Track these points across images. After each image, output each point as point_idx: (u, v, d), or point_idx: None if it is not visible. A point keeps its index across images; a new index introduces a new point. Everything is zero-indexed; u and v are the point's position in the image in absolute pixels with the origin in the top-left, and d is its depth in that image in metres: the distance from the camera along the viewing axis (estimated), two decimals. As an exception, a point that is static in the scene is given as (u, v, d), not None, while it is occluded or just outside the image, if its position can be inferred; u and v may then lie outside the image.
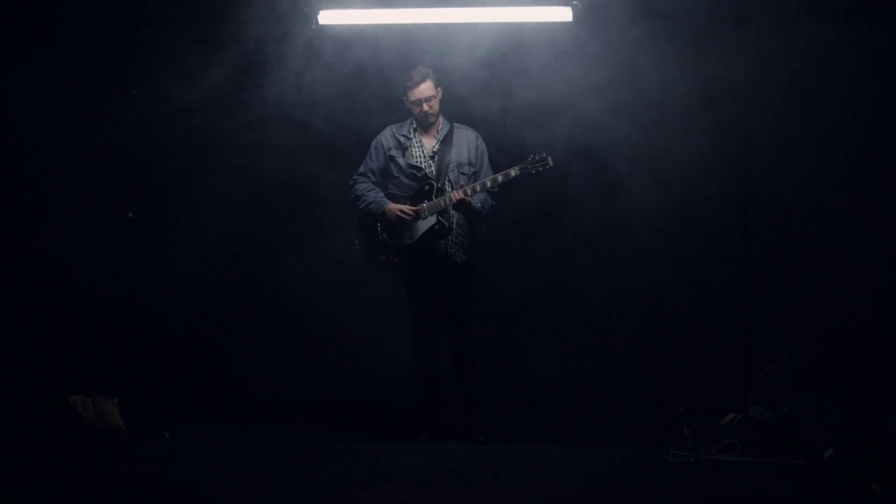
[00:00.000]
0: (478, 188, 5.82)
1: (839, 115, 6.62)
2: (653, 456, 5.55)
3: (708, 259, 6.79)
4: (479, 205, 5.89)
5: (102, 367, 6.51)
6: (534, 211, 7.07)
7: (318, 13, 5.81)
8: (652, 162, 6.75)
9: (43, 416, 5.89)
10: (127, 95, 5.76)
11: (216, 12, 6.25)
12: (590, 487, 5.02)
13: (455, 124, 6.05)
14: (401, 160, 5.99)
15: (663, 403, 6.18)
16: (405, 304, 6.10)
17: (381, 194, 5.99)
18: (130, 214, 5.80)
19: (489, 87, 6.56)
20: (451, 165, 5.94)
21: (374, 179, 6.04)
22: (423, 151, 5.98)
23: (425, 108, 5.90)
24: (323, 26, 5.89)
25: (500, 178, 5.80)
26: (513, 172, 5.77)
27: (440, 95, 5.96)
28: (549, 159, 5.73)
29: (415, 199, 5.92)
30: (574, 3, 5.73)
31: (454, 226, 5.93)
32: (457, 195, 5.78)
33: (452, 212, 5.90)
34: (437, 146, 5.98)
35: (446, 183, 5.91)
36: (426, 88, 5.88)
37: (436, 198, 5.88)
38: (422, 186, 5.92)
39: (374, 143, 6.08)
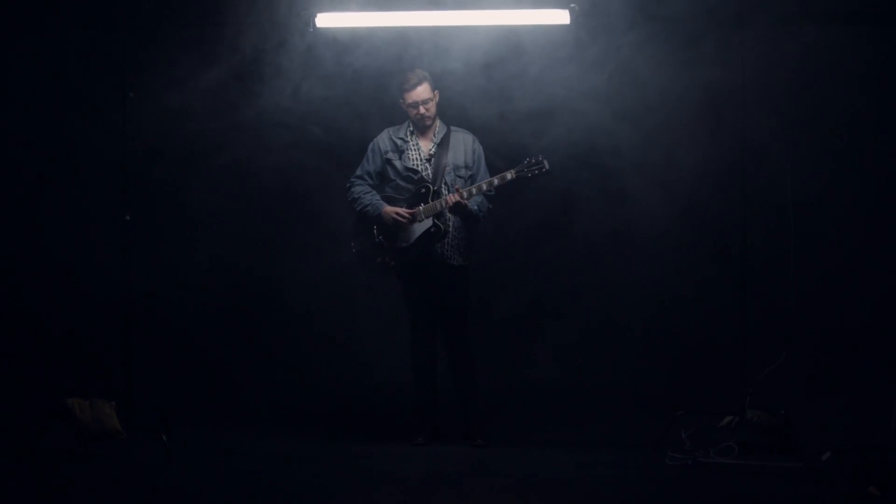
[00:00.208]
0: (474, 191, 5.82)
1: (838, 118, 6.63)
2: (650, 459, 5.54)
3: (705, 262, 6.79)
4: (476, 207, 5.89)
5: (100, 369, 6.52)
6: (531, 215, 7.07)
7: (315, 16, 5.82)
8: (649, 167, 6.75)
9: (40, 418, 5.88)
10: (124, 99, 5.76)
11: (213, 16, 6.26)
12: (587, 490, 5.02)
13: (452, 127, 6.04)
14: (397, 163, 5.99)
15: (661, 406, 6.19)
16: (402, 307, 6.10)
17: (378, 197, 5.99)
18: (128, 217, 5.80)
19: (486, 91, 6.56)
20: (447, 168, 5.93)
21: (370, 182, 6.04)
22: (419, 154, 5.98)
23: (422, 110, 5.90)
24: (320, 29, 5.89)
25: (496, 181, 5.79)
26: (509, 176, 5.77)
27: (437, 98, 5.96)
28: (546, 163, 5.73)
29: (411, 202, 5.92)
30: (571, 5, 5.73)
31: (450, 228, 5.93)
32: (453, 198, 5.77)
33: (449, 215, 5.90)
34: (433, 149, 5.98)
35: (443, 186, 5.91)
36: (423, 91, 5.88)
37: (432, 201, 5.87)
38: (418, 189, 5.92)
39: (370, 145, 6.08)
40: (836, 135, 6.65)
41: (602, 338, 7.08)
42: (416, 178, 5.95)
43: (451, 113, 6.27)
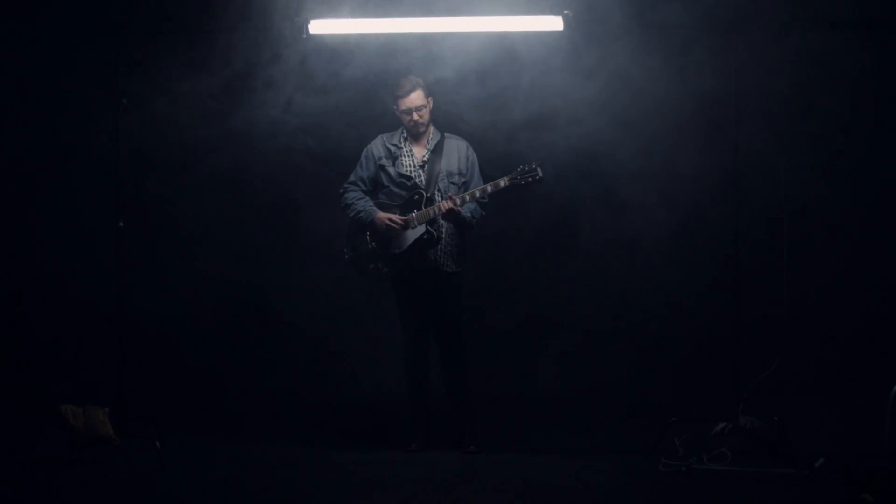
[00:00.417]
0: (467, 198, 5.81)
1: (832, 126, 6.65)
2: (644, 465, 5.54)
3: (698, 269, 6.80)
4: (469, 214, 5.89)
5: (93, 376, 6.51)
6: (524, 223, 7.09)
7: (308, 23, 5.81)
8: (642, 174, 6.76)
9: (33, 425, 5.87)
10: (117, 105, 5.76)
11: (206, 23, 6.26)
12: (580, 497, 5.02)
13: (446, 134, 6.04)
14: (391, 169, 5.99)
15: (654, 413, 6.18)
16: (395, 313, 6.09)
17: (371, 203, 5.99)
18: (121, 224, 5.80)
19: (479, 98, 6.55)
20: (441, 175, 5.93)
21: (364, 188, 6.04)
22: (413, 161, 5.98)
23: (415, 117, 5.90)
24: (314, 36, 5.88)
25: (489, 188, 5.79)
26: (502, 183, 5.76)
27: (431, 105, 5.96)
28: (539, 170, 5.72)
29: (404, 209, 5.92)
30: (565, 12, 5.73)
31: (443, 235, 5.93)
32: (446, 205, 5.77)
33: (442, 221, 5.90)
34: (427, 156, 5.98)
35: (436, 193, 5.91)
36: (416, 98, 5.88)
37: (425, 207, 5.87)
38: (411, 196, 5.92)
39: (364, 151, 6.08)
40: (830, 142, 6.66)
41: (595, 345, 7.07)
42: (409, 184, 5.94)
43: (444, 120, 6.27)
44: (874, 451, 5.45)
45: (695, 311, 6.85)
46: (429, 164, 5.95)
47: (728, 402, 5.74)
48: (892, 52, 6.54)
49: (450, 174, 5.94)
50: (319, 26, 5.83)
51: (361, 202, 5.98)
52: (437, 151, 5.97)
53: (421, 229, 5.88)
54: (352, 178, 6.05)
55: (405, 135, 6.01)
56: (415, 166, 5.97)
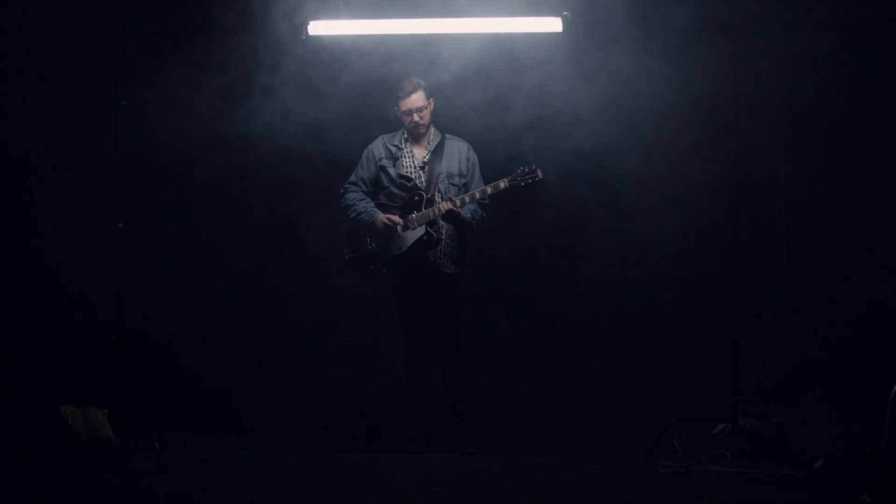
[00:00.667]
0: (467, 199, 5.81)
1: (831, 126, 6.64)
2: (643, 467, 5.54)
3: (697, 271, 6.80)
4: (469, 215, 5.88)
5: (93, 377, 6.51)
6: (523, 225, 7.08)
7: (307, 24, 5.81)
8: (640, 176, 6.76)
9: (33, 426, 5.87)
10: (117, 107, 5.76)
11: (206, 24, 6.25)
12: (580, 498, 5.02)
13: (447, 135, 6.04)
14: (391, 170, 5.98)
15: (653, 414, 6.19)
16: (394, 315, 6.10)
17: (372, 204, 5.98)
18: (120, 225, 5.79)
19: (478, 99, 6.54)
20: (441, 176, 5.93)
21: (364, 189, 6.03)
22: (413, 162, 5.98)
23: (416, 118, 5.90)
24: (313, 37, 5.88)
25: (489, 189, 5.79)
26: (502, 184, 5.76)
27: (432, 106, 5.95)
28: (539, 171, 5.72)
29: (404, 210, 5.92)
30: (564, 13, 5.73)
31: (443, 236, 5.92)
32: (445, 206, 5.77)
33: (442, 222, 5.90)
34: (427, 157, 5.97)
35: (436, 194, 5.91)
36: (417, 99, 5.88)
37: (425, 208, 5.88)
38: (411, 197, 5.91)
39: (365, 152, 6.08)
40: (830, 143, 6.66)
41: (594, 346, 7.07)
42: (409, 185, 5.94)
43: (443, 122, 6.27)
44: (874, 452, 5.46)
45: (694, 312, 6.85)
46: (429, 165, 5.95)
47: (727, 404, 5.74)
48: (895, 52, 6.54)
49: (450, 175, 5.94)
50: (319, 28, 5.83)
51: (362, 203, 5.98)
52: (437, 152, 5.97)
53: (421, 230, 5.88)
54: (352, 178, 6.05)
55: (406, 135, 6.01)
56: (415, 167, 5.97)
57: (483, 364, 6.76)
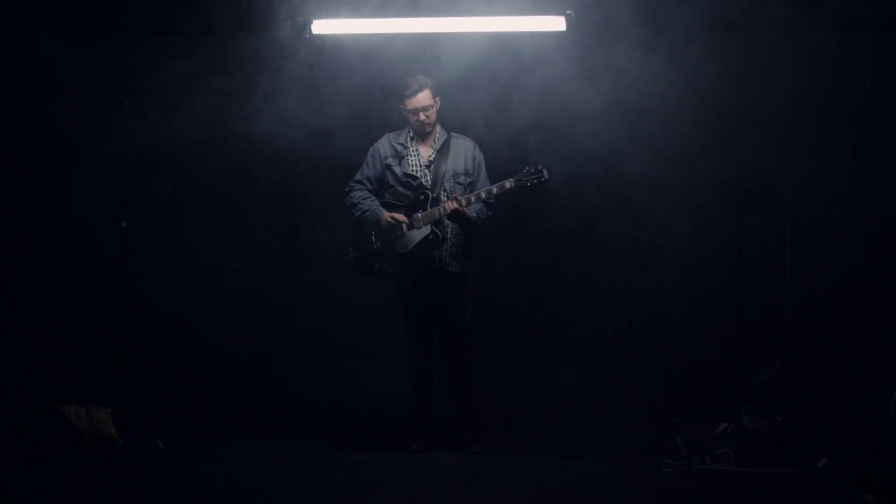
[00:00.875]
0: (472, 199, 5.80)
1: (835, 126, 6.64)
2: (646, 466, 5.54)
3: (701, 270, 6.79)
4: (475, 215, 5.87)
5: (96, 376, 6.50)
6: (527, 223, 7.07)
7: (311, 23, 5.81)
8: (643, 175, 6.74)
9: (36, 425, 5.88)
10: (120, 105, 5.76)
11: (209, 23, 6.25)
12: (583, 497, 5.02)
13: (453, 134, 6.02)
14: (397, 169, 5.98)
15: (657, 413, 6.18)
16: (398, 313, 6.09)
17: (377, 203, 5.98)
18: (124, 224, 5.80)
19: (482, 98, 6.54)
20: (447, 175, 5.92)
21: (370, 187, 6.02)
22: (419, 160, 5.97)
23: (422, 117, 5.88)
24: (316, 36, 5.88)
25: (494, 189, 5.78)
26: (507, 185, 5.76)
27: (438, 105, 5.94)
28: (545, 172, 5.72)
29: (410, 209, 5.91)
30: (568, 12, 5.72)
31: (449, 236, 5.92)
32: (451, 205, 5.76)
33: (447, 222, 5.89)
34: (433, 156, 5.97)
35: (442, 193, 5.90)
36: (423, 98, 5.87)
37: (431, 208, 5.87)
38: (417, 196, 5.91)
39: (371, 150, 6.07)
40: (833, 143, 6.65)
41: (597, 345, 7.07)
42: (415, 184, 5.94)
43: (446, 122, 6.26)
44: (877, 452, 5.46)
45: (698, 311, 6.84)
46: (435, 164, 5.94)
47: (731, 403, 5.74)
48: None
49: (456, 174, 5.93)
50: (322, 27, 5.83)
51: (367, 201, 5.98)
52: (443, 151, 5.96)
53: (426, 230, 5.88)
54: (358, 176, 6.05)
55: (411, 134, 6.00)
56: (421, 166, 5.96)
57: (487, 363, 6.76)
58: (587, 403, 6.80)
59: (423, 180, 5.94)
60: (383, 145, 6.04)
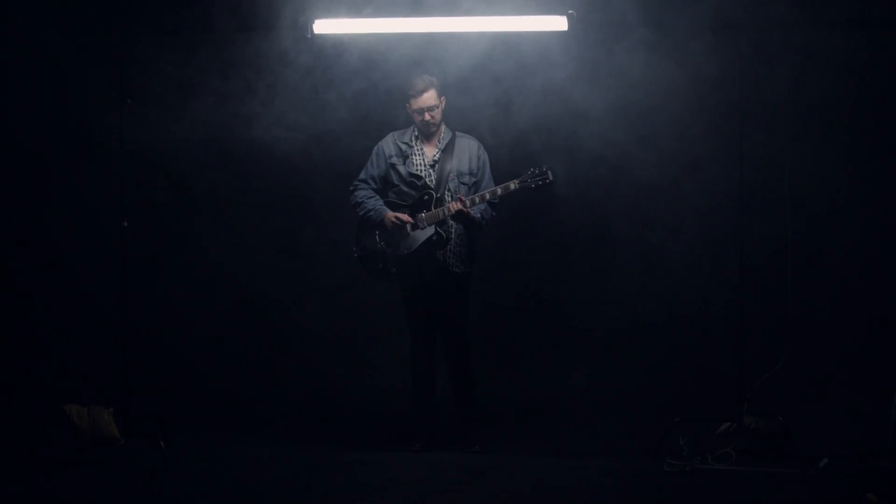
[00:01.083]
0: (476, 200, 5.79)
1: (837, 126, 6.64)
2: (648, 466, 5.53)
3: (703, 269, 6.79)
4: (479, 215, 5.85)
5: (98, 376, 6.50)
6: (530, 223, 7.08)
7: (313, 23, 5.80)
8: (646, 176, 6.75)
9: (38, 425, 5.88)
10: (122, 105, 5.76)
11: (212, 23, 6.24)
12: (585, 497, 5.02)
13: (457, 133, 6.00)
14: (401, 168, 5.96)
15: (659, 413, 6.18)
16: (400, 313, 6.09)
17: (381, 202, 5.96)
18: (126, 224, 5.80)
19: (484, 98, 6.55)
20: (451, 175, 5.91)
21: (374, 186, 6.01)
22: (423, 160, 5.95)
23: (427, 117, 5.86)
24: (318, 36, 5.87)
25: (499, 190, 5.77)
26: (512, 186, 5.74)
27: (443, 105, 5.91)
28: (550, 173, 5.70)
29: (414, 209, 5.89)
30: (570, 12, 5.72)
31: (453, 236, 5.91)
32: (455, 206, 5.74)
33: (451, 222, 5.89)
34: (437, 155, 5.95)
35: (446, 192, 5.89)
36: (429, 98, 5.84)
37: (435, 208, 5.86)
38: (421, 196, 5.90)
39: (375, 149, 6.05)
40: (837, 143, 6.66)
41: (599, 345, 7.07)
42: (419, 184, 5.92)
43: (451, 119, 6.26)
44: (879, 451, 5.47)
45: (699, 311, 6.85)
46: (439, 164, 5.92)
47: (732, 402, 5.74)
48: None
49: (460, 174, 5.92)
50: (324, 26, 5.82)
51: (371, 201, 5.96)
52: (447, 151, 5.94)
53: (430, 230, 5.86)
54: (362, 175, 6.03)
55: (416, 133, 5.99)
56: (425, 165, 5.94)
57: (489, 363, 6.76)
58: (589, 403, 6.80)
59: (427, 180, 5.92)
60: (388, 144, 6.03)
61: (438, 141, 5.97)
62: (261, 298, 7.23)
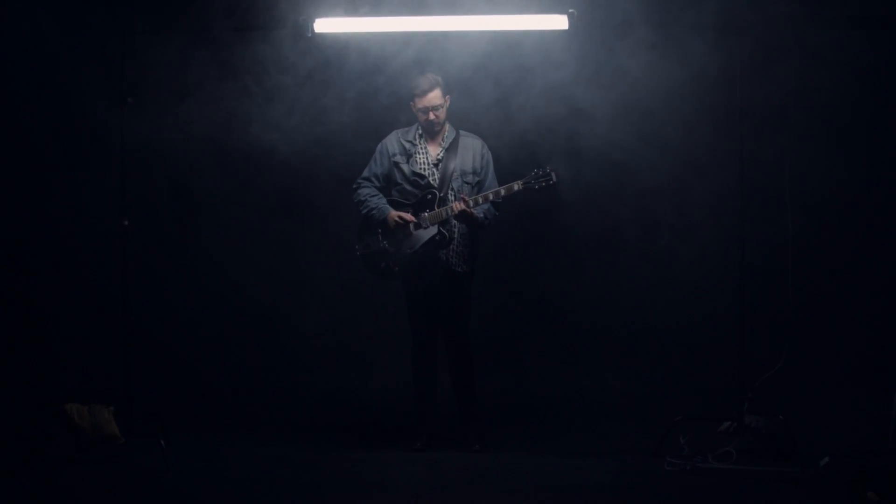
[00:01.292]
0: (479, 200, 5.78)
1: (838, 124, 6.64)
2: (649, 465, 5.54)
3: (703, 268, 6.79)
4: (482, 215, 5.84)
5: (98, 375, 6.50)
6: (530, 222, 7.07)
7: (313, 22, 5.80)
8: (645, 170, 6.76)
9: (39, 424, 5.88)
10: (123, 103, 5.76)
11: (212, 22, 6.24)
12: (585, 497, 5.02)
13: (461, 132, 5.99)
14: (405, 166, 5.95)
15: (659, 412, 6.18)
16: (403, 312, 6.09)
17: (384, 200, 5.95)
18: (126, 223, 5.80)
19: (486, 98, 6.55)
20: (454, 174, 5.89)
21: (377, 184, 5.99)
22: (427, 159, 5.94)
23: (431, 116, 5.84)
24: (318, 35, 5.87)
25: (502, 191, 5.75)
26: (515, 187, 5.73)
27: (448, 104, 5.90)
28: (553, 175, 5.69)
29: (417, 208, 5.88)
30: (570, 11, 5.72)
31: (455, 235, 5.90)
32: (458, 206, 5.74)
33: (454, 222, 5.88)
34: (441, 154, 5.93)
35: (449, 192, 5.87)
36: (434, 97, 5.82)
37: (438, 207, 5.85)
38: (424, 195, 5.89)
39: (378, 147, 6.04)
40: (834, 139, 6.66)
41: (600, 344, 7.08)
42: (422, 183, 5.90)
43: (452, 118, 6.26)
44: (880, 450, 5.47)
45: (700, 310, 6.85)
46: (443, 163, 5.91)
47: (733, 401, 5.74)
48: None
49: (464, 173, 5.91)
50: (324, 25, 5.82)
51: (374, 199, 5.95)
52: (451, 150, 5.92)
53: (433, 230, 5.85)
54: (365, 173, 6.02)
55: (420, 131, 5.97)
56: (429, 164, 5.93)
57: (490, 362, 6.76)
58: (589, 402, 6.81)
59: (430, 179, 5.91)
60: (391, 142, 6.01)
61: (442, 140, 5.96)
62: (261, 297, 7.23)
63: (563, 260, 7.16)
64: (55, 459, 5.64)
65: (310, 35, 5.82)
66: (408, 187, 5.94)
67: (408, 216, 5.86)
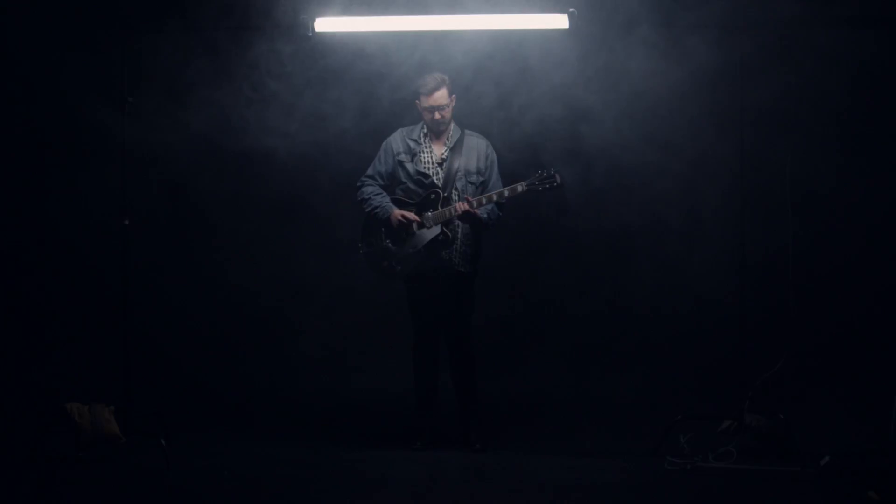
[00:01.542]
0: (483, 201, 5.76)
1: (838, 122, 6.65)
2: (649, 464, 5.54)
3: (704, 267, 6.80)
4: (486, 216, 5.83)
5: (99, 374, 6.50)
6: (532, 221, 7.07)
7: (314, 21, 5.79)
8: (646, 169, 6.76)
9: (39, 423, 5.87)
10: (123, 103, 5.76)
11: (212, 21, 6.25)
12: (586, 495, 5.02)
13: (466, 131, 5.97)
14: (409, 165, 5.93)
15: (660, 411, 6.18)
16: (404, 311, 6.08)
17: (388, 199, 5.93)
18: (126, 222, 5.80)
19: (486, 98, 6.55)
20: (459, 174, 5.88)
21: (381, 183, 5.97)
22: (431, 158, 5.92)
23: (437, 116, 5.82)
24: (319, 34, 5.87)
25: (506, 192, 5.74)
26: (519, 188, 5.72)
27: (454, 103, 5.88)
28: (557, 176, 5.68)
29: (420, 207, 5.87)
30: (570, 10, 5.71)
31: (458, 236, 5.89)
32: (462, 206, 5.72)
33: (457, 222, 5.88)
34: (446, 153, 5.92)
35: (453, 191, 5.86)
36: (440, 97, 5.80)
37: (442, 207, 5.85)
38: (428, 194, 5.87)
39: (383, 145, 6.02)
40: (836, 139, 6.66)
41: (600, 343, 7.08)
42: (426, 182, 5.89)
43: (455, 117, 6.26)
44: (880, 449, 5.47)
45: (700, 309, 6.85)
46: (447, 163, 5.90)
47: (734, 400, 5.74)
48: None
49: (468, 173, 5.89)
50: (325, 24, 5.81)
51: (378, 198, 5.93)
52: (456, 149, 5.90)
53: (436, 230, 5.84)
54: (369, 171, 6.00)
55: (425, 130, 5.96)
56: (433, 163, 5.91)
57: (492, 362, 6.76)
58: (590, 401, 6.81)
59: (434, 178, 5.89)
60: (396, 141, 6.00)
61: (447, 139, 5.94)
62: (262, 296, 7.23)
63: (562, 260, 7.16)
64: (56, 459, 5.63)
65: (310, 34, 5.81)
66: (412, 186, 5.93)
67: (411, 215, 5.86)
